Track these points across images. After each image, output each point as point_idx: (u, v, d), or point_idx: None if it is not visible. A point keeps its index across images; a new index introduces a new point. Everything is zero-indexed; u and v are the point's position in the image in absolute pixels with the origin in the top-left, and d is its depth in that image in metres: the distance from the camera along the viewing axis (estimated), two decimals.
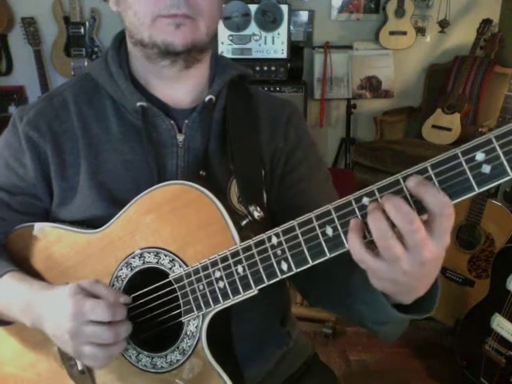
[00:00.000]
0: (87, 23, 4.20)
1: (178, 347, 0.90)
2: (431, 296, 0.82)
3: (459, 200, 0.63)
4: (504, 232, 2.39)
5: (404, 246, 0.67)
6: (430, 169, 0.64)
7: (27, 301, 0.96)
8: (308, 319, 2.75)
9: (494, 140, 0.60)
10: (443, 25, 4.39)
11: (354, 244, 0.70)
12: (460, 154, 0.62)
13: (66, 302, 0.86)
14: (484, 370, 2.30)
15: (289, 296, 1.27)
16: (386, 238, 0.67)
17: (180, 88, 1.08)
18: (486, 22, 3.99)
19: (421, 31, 4.48)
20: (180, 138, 1.04)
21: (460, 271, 2.63)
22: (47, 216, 1.09)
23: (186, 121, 1.05)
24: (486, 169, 0.61)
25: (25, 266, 1.06)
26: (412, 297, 0.78)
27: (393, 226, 0.66)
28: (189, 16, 0.95)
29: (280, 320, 1.21)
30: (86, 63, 4.16)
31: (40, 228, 1.06)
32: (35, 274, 1.05)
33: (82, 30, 4.17)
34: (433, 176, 0.64)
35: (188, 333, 0.89)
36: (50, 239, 1.04)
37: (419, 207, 0.66)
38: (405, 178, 0.65)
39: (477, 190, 0.62)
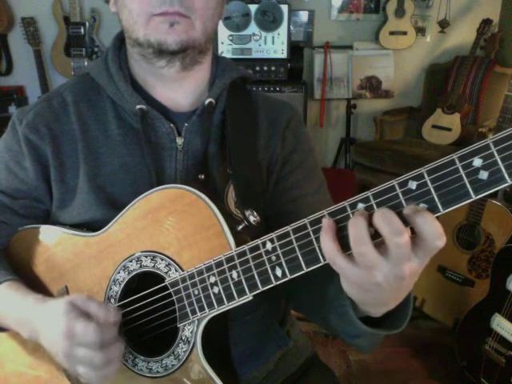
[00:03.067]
0: (87, 23, 4.19)
1: (173, 352, 0.90)
2: (402, 311, 0.80)
3: (455, 207, 0.62)
4: (504, 232, 2.39)
5: (385, 256, 0.65)
6: (425, 175, 0.62)
7: (22, 314, 0.96)
8: (308, 319, 2.74)
9: (491, 145, 0.59)
10: (443, 25, 4.38)
11: (325, 244, 0.68)
12: (457, 160, 0.61)
13: (59, 319, 0.85)
14: (484, 369, 2.29)
15: None
16: (361, 244, 0.65)
17: (180, 90, 1.07)
18: (486, 22, 3.99)
19: (421, 31, 4.48)
20: (179, 141, 1.04)
21: (460, 271, 2.63)
22: (49, 218, 1.09)
23: (186, 124, 1.05)
24: (484, 175, 0.59)
25: (26, 268, 1.07)
26: (381, 310, 0.78)
27: (374, 235, 0.65)
28: (182, 14, 0.94)
29: (279, 320, 1.21)
30: (85, 63, 4.15)
31: (41, 230, 1.06)
32: (35, 276, 1.06)
33: (82, 30, 4.17)
34: (429, 182, 0.62)
35: (183, 338, 0.89)
36: (51, 241, 1.04)
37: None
38: (400, 184, 0.64)
39: (473, 197, 0.60)
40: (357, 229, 0.65)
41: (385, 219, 0.63)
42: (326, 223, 0.69)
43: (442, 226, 0.62)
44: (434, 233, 0.62)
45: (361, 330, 0.81)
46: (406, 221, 0.64)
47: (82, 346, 0.83)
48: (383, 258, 0.65)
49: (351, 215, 0.68)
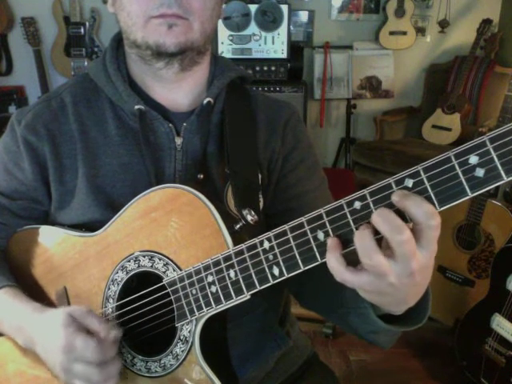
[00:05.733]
0: (87, 23, 4.20)
1: (171, 352, 0.90)
2: (422, 307, 0.80)
3: (452, 205, 0.62)
4: (504, 232, 2.39)
5: (391, 257, 0.65)
6: (422, 172, 0.62)
7: (18, 322, 0.96)
8: (308, 319, 2.74)
9: (487, 142, 0.59)
10: (443, 25, 4.39)
11: (333, 264, 0.69)
12: (453, 157, 0.60)
13: (58, 332, 0.85)
14: (484, 369, 2.29)
15: (288, 296, 1.27)
16: (371, 256, 0.65)
17: (178, 90, 1.07)
18: (486, 22, 4.00)
19: (421, 31, 4.48)
20: (178, 141, 1.04)
21: (460, 271, 2.62)
22: (48, 219, 1.09)
23: (185, 124, 1.04)
24: (480, 172, 0.59)
25: (25, 269, 1.07)
26: (402, 308, 0.77)
27: (378, 239, 0.65)
28: (180, 16, 0.94)
29: (279, 320, 1.21)
30: (86, 63, 4.17)
31: (40, 231, 1.06)
32: (34, 277, 1.06)
33: (82, 30, 4.18)
34: (425, 180, 0.62)
35: (181, 337, 0.89)
36: (50, 242, 1.05)
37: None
38: (397, 182, 0.64)
39: (470, 195, 0.60)
40: (364, 241, 0.65)
41: (383, 220, 0.63)
42: (331, 243, 0.69)
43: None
44: (425, 213, 0.62)
45: (381, 327, 0.81)
46: (404, 218, 0.64)
47: (81, 361, 0.83)
48: (391, 260, 0.65)
49: (348, 214, 0.68)
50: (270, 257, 0.75)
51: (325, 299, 1.02)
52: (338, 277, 0.69)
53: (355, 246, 0.66)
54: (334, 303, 0.95)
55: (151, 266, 0.90)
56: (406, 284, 0.67)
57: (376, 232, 0.65)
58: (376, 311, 0.81)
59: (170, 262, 0.88)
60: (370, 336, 0.88)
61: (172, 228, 0.88)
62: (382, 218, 0.63)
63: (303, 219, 0.72)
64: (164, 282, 0.88)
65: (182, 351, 0.89)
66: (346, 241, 0.68)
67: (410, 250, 0.64)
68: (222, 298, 0.82)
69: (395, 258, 0.65)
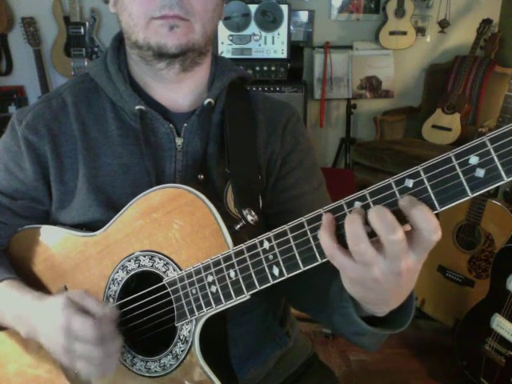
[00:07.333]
0: (87, 23, 4.19)
1: (171, 351, 0.90)
2: (404, 310, 0.81)
3: (452, 205, 0.62)
4: (504, 232, 2.38)
5: (381, 253, 0.65)
6: (422, 173, 0.62)
7: (20, 311, 0.96)
8: (308, 319, 2.74)
9: (488, 143, 0.58)
10: (443, 25, 4.39)
11: (324, 238, 0.68)
12: (453, 158, 0.60)
13: (57, 315, 0.86)
14: (484, 370, 2.29)
15: None
16: (358, 242, 0.65)
17: (179, 91, 1.07)
18: (486, 22, 4.00)
19: (421, 31, 4.48)
20: (179, 141, 1.04)
21: (460, 271, 2.62)
22: (48, 219, 1.09)
23: (185, 124, 1.05)
24: (480, 173, 0.59)
25: (25, 268, 1.07)
26: (383, 309, 0.78)
27: (372, 233, 0.65)
28: (182, 17, 0.95)
29: (279, 320, 1.21)
30: (86, 63, 4.16)
31: (41, 230, 1.06)
32: (35, 276, 1.06)
33: (82, 30, 4.17)
34: (425, 180, 0.62)
35: (181, 337, 0.89)
36: (50, 241, 1.05)
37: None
38: (397, 182, 0.64)
39: (470, 195, 0.60)
40: (353, 227, 0.65)
41: (378, 217, 0.63)
42: (326, 219, 0.69)
43: (438, 221, 0.62)
44: (429, 226, 0.62)
45: (364, 329, 0.81)
46: (402, 218, 0.64)
47: (81, 341, 0.84)
48: (380, 255, 0.65)
49: (348, 213, 0.68)
50: (270, 257, 0.75)
51: (312, 300, 1.02)
52: (328, 252, 0.69)
53: (345, 231, 0.66)
54: (320, 303, 0.95)
55: (151, 266, 0.90)
56: (390, 282, 0.67)
57: (372, 233, 0.65)
58: (358, 312, 0.81)
59: (170, 261, 0.88)
60: (355, 338, 0.88)
61: (172, 228, 0.88)
62: (377, 215, 0.63)
63: (303, 219, 0.72)
64: (164, 282, 0.89)
65: (182, 351, 0.89)
66: (345, 242, 0.68)
67: (401, 250, 0.64)
68: (222, 297, 0.82)
69: (385, 254, 0.65)
